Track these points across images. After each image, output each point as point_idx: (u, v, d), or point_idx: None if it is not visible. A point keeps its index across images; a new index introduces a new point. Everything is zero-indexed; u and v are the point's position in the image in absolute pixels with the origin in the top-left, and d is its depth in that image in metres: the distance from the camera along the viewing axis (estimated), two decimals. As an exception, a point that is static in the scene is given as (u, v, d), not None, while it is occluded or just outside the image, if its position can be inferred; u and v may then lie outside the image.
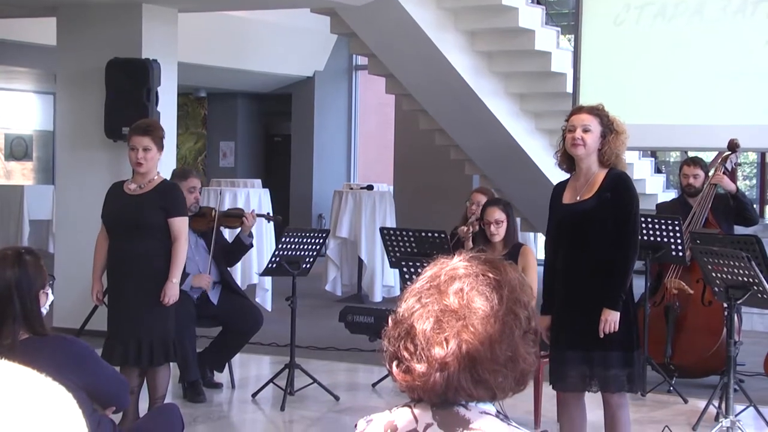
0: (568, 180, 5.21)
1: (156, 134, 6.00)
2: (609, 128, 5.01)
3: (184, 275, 7.09)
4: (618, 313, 4.96)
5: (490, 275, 1.85)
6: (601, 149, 5.01)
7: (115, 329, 6.00)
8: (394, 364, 1.86)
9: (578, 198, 5.06)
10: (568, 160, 5.14)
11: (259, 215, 7.90)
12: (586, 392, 5.16)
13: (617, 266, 4.99)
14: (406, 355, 1.84)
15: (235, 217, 7.60)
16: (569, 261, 5.07)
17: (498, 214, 6.63)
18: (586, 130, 4.98)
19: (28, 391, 1.32)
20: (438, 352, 1.80)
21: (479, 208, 7.62)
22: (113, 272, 6.08)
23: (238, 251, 7.68)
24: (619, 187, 5.02)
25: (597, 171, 5.05)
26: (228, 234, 8.36)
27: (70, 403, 1.35)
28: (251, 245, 7.65)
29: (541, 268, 7.47)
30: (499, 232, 6.62)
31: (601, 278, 4.98)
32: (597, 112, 5.05)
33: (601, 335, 4.94)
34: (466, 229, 7.32)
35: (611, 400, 5.11)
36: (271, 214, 8.04)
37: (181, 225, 6.01)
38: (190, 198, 7.27)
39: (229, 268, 7.74)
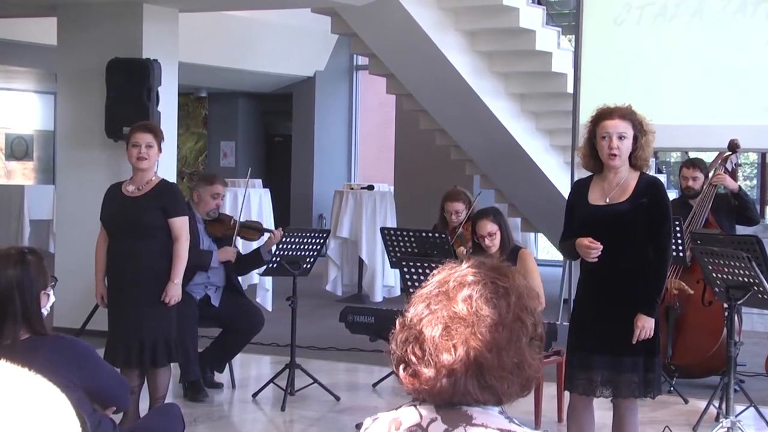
0: (590, 178, 5.12)
1: (158, 133, 6.06)
2: (640, 131, 4.93)
3: (209, 253, 7.10)
4: (653, 320, 4.91)
5: (499, 282, 1.87)
6: (633, 153, 4.94)
7: (118, 330, 6.00)
8: (401, 367, 1.88)
9: (608, 200, 4.98)
10: (594, 163, 5.04)
11: (266, 230, 7.82)
12: (598, 396, 5.11)
13: (653, 272, 4.93)
14: (413, 359, 1.86)
15: (254, 230, 7.58)
16: (597, 263, 4.98)
17: (490, 227, 6.56)
18: (621, 138, 4.89)
19: (20, 390, 1.32)
20: (446, 358, 1.82)
21: (458, 216, 7.59)
22: (114, 274, 6.08)
23: (253, 263, 7.66)
24: (654, 193, 4.96)
25: (628, 174, 4.97)
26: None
27: (63, 401, 1.35)
28: (267, 262, 7.59)
29: (543, 269, 7.47)
30: (494, 244, 6.56)
31: (631, 282, 4.92)
32: (630, 116, 4.95)
33: (634, 341, 4.88)
34: (464, 250, 7.20)
35: (622, 403, 5.06)
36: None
37: (181, 225, 6.01)
38: (212, 203, 7.28)
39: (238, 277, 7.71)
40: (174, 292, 5.95)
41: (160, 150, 6.06)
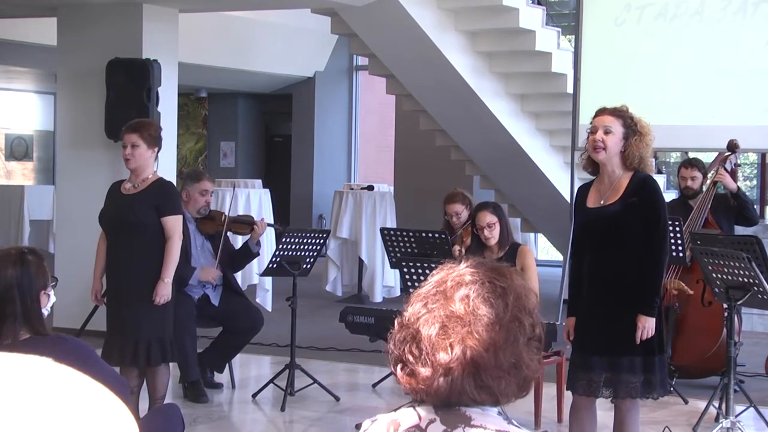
0: (591, 182, 5.14)
1: (145, 131, 5.99)
2: (632, 129, 4.93)
3: (191, 269, 7.09)
4: (654, 319, 4.90)
5: (497, 282, 1.87)
6: (624, 151, 4.94)
7: (113, 329, 6.01)
8: (399, 367, 1.88)
9: (602, 202, 5.00)
10: (592, 164, 5.06)
11: (268, 224, 7.88)
12: (598, 397, 5.11)
13: (649, 272, 4.92)
14: (410, 358, 1.86)
15: (245, 223, 7.59)
16: (595, 265, 4.99)
17: (489, 218, 6.60)
18: (607, 132, 4.90)
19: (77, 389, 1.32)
20: (443, 357, 1.82)
21: (459, 217, 7.62)
22: (110, 272, 6.09)
23: (244, 258, 7.67)
24: (645, 191, 4.95)
25: (621, 174, 4.98)
26: (231, 239, 8.34)
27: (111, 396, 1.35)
28: (258, 254, 7.64)
29: (543, 269, 7.46)
30: (493, 235, 6.59)
31: (628, 283, 4.93)
32: (620, 113, 4.97)
33: (638, 342, 4.88)
34: (458, 249, 7.25)
35: (623, 404, 5.06)
36: (279, 224, 8.06)
37: (174, 223, 6.00)
38: (201, 201, 7.28)
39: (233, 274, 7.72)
40: (164, 292, 5.92)
41: (154, 146, 6.02)
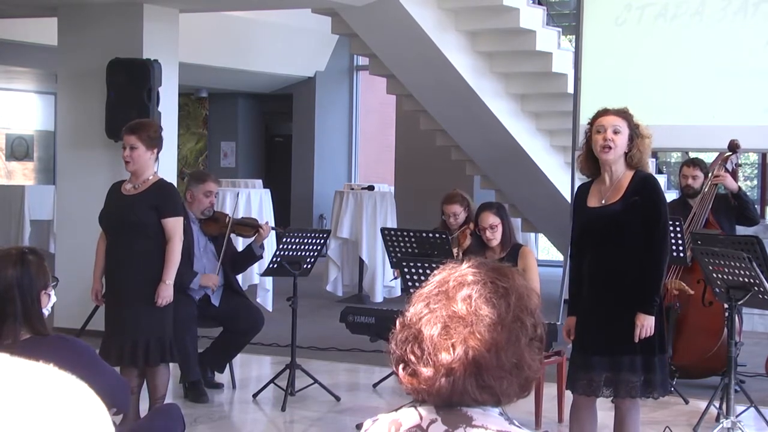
0: (591, 182, 5.14)
1: (143, 133, 5.97)
2: (635, 131, 4.95)
3: (193, 274, 7.09)
4: (653, 318, 4.90)
5: (499, 282, 1.87)
6: (628, 152, 4.95)
7: (112, 329, 6.01)
8: (401, 367, 1.89)
9: (603, 201, 5.00)
10: (591, 166, 5.06)
11: (272, 228, 7.88)
12: (599, 396, 5.11)
13: (649, 270, 4.92)
14: (412, 358, 1.86)
15: (249, 226, 7.59)
16: (596, 265, 5.00)
17: (492, 219, 6.60)
18: (616, 132, 4.91)
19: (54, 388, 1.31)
20: (444, 357, 1.82)
21: (456, 219, 7.62)
22: (109, 272, 6.10)
23: (247, 260, 7.68)
24: (647, 190, 4.96)
25: (623, 173, 4.99)
26: (233, 241, 8.34)
27: (91, 395, 1.35)
28: (261, 257, 7.64)
29: (544, 269, 7.46)
30: (495, 237, 6.60)
31: (628, 282, 4.92)
32: (624, 114, 4.98)
33: (636, 340, 4.88)
34: (456, 251, 7.27)
35: (623, 403, 5.07)
36: (281, 227, 8.07)
37: (174, 225, 5.99)
38: (205, 202, 7.28)
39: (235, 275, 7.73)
40: (165, 293, 5.92)
41: (153, 147, 6.00)
